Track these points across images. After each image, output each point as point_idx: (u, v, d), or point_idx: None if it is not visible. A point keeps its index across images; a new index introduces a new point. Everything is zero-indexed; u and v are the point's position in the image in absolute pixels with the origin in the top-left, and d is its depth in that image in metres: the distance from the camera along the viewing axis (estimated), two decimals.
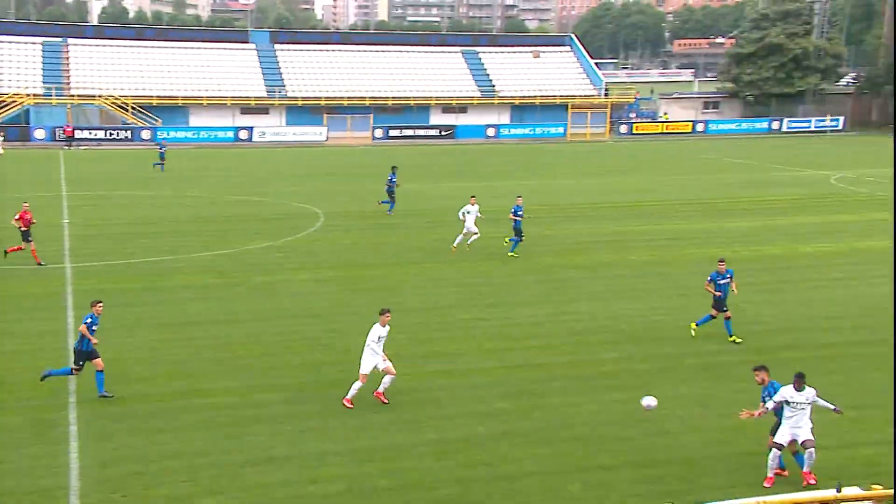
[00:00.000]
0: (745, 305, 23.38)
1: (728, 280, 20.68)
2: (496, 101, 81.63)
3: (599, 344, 20.39)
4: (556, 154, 65.61)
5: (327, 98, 78.09)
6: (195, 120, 75.22)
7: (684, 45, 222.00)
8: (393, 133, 76.52)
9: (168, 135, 69.87)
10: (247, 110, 76.68)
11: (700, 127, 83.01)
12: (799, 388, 13.55)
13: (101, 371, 16.79)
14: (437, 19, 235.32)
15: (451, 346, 20.26)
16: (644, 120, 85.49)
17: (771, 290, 25.07)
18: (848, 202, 40.73)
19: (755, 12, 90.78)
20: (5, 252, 27.41)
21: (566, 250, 30.60)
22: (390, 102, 79.12)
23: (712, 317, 20.58)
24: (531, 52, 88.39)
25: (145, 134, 70.35)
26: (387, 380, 16.64)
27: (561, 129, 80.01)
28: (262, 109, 77.14)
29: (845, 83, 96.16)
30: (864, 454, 14.56)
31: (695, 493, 13.20)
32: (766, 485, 13.52)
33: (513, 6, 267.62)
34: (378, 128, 76.74)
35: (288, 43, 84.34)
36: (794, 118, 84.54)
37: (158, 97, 74.37)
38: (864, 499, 7.83)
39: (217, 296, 24.54)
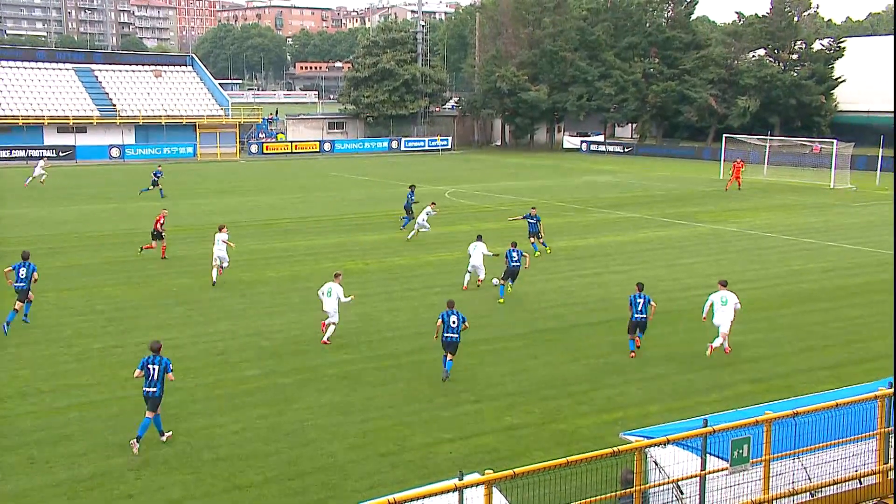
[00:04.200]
0: (380, 314, 24.39)
1: None
2: (118, 121, 77.19)
3: (241, 362, 20.07)
4: (187, 174, 63.66)
5: None
6: None
7: (306, 67, 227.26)
8: (1, 154, 69.22)
9: None
10: None
11: (327, 146, 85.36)
12: None
13: None
14: (43, 34, 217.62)
15: (82, 378, 18.74)
16: (273, 140, 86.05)
17: (401, 297, 26.39)
18: (461, 214, 44.20)
19: (367, 39, 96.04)
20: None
21: (203, 271, 29.73)
22: None
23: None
24: (152, 71, 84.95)
25: None
26: None
27: (190, 150, 77.81)
28: None
29: (450, 106, 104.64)
30: (485, 442, 15.81)
31: (338, 498, 13.46)
32: None
33: (128, 23, 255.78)
34: None
35: None
36: (410, 138, 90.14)
37: None
38: (481, 483, 8.50)
39: None
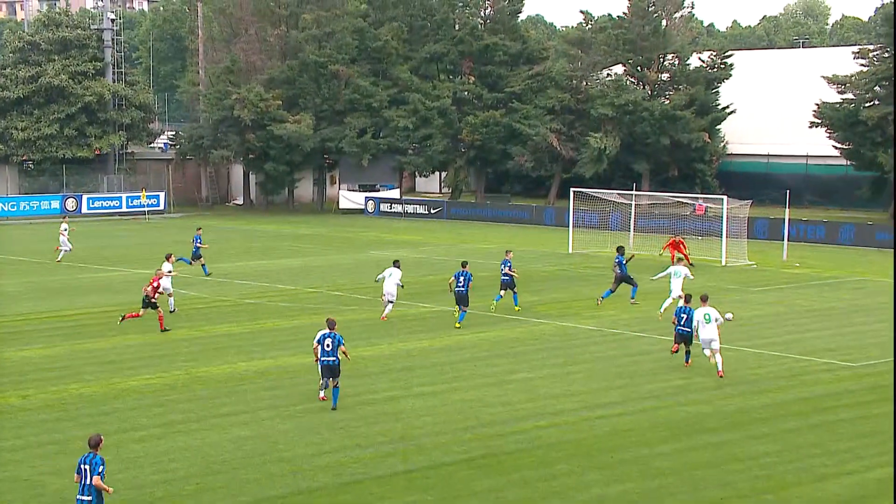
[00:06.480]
0: (45, 479, 23.40)
1: None
2: None
3: None
4: None
5: None
6: None
7: None
8: None
9: None
10: None
11: None
12: None
13: None
14: None
15: None
16: None
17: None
18: (180, 312, 43.45)
19: (20, 39, 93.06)
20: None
21: None
22: None
23: None
24: None
25: None
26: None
27: None
28: None
29: (162, 146, 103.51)
30: None
31: None
32: None
33: None
34: None
35: None
36: (98, 195, 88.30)
37: None
38: None
39: None
